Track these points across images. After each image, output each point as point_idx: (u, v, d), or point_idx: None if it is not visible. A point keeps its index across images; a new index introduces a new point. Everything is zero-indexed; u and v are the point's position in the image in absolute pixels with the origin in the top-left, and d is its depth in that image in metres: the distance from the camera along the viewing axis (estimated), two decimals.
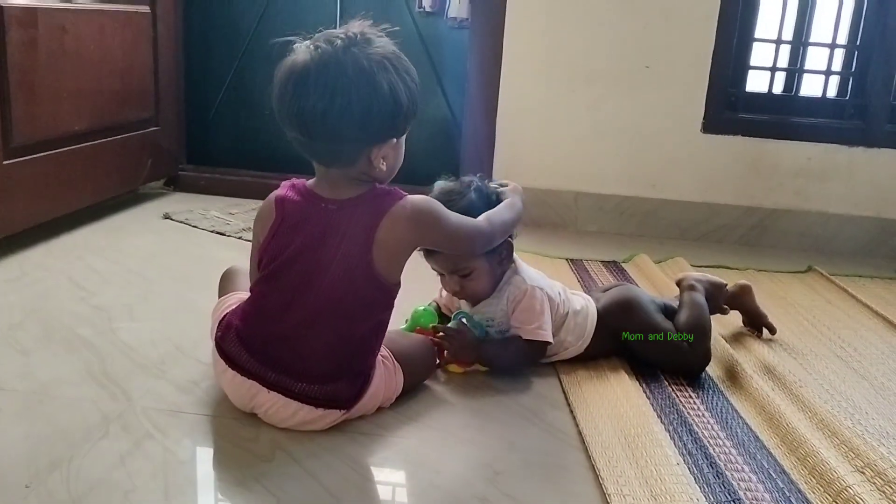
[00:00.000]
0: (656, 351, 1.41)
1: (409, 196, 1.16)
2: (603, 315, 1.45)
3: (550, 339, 1.37)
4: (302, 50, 1.10)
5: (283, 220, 1.16)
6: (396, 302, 1.19)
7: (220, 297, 1.34)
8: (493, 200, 1.37)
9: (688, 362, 1.40)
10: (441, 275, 1.40)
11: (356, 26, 1.12)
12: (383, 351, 1.22)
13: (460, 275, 1.36)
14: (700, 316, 1.45)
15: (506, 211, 1.31)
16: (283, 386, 1.12)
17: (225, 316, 1.20)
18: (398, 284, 1.18)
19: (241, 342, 1.15)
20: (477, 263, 1.35)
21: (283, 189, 1.20)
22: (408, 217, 1.14)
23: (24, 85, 1.82)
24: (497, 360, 1.37)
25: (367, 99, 1.07)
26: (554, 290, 1.42)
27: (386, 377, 1.20)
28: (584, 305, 1.45)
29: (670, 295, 1.66)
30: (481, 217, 1.26)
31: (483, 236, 1.25)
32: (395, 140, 1.15)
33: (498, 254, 1.37)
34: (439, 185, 1.39)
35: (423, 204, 1.17)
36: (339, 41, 1.08)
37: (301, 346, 1.13)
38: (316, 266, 1.13)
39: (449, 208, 1.27)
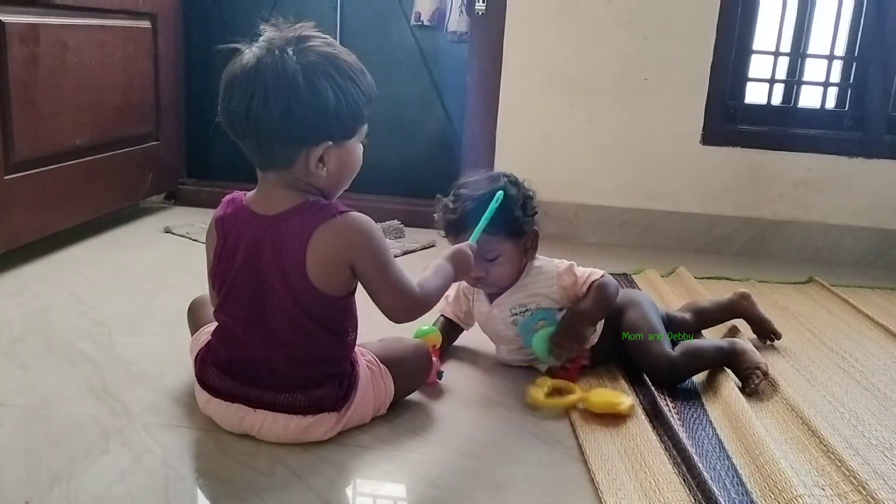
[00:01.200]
0: (642, 348, 1.41)
1: (350, 213, 1.11)
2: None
3: (607, 275, 1.41)
4: (236, 61, 1.09)
5: (224, 242, 1.15)
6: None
7: (191, 332, 1.34)
8: (528, 189, 1.42)
9: (669, 370, 1.39)
10: None
11: (296, 28, 1.10)
12: (368, 356, 1.22)
13: (487, 258, 1.36)
14: (711, 357, 1.44)
15: (436, 277, 1.21)
16: (268, 401, 1.12)
17: (199, 352, 1.20)
18: (348, 296, 1.15)
19: (219, 370, 1.16)
20: (506, 247, 1.37)
21: (222, 207, 1.17)
22: (339, 232, 1.09)
23: (25, 100, 1.83)
24: (597, 314, 1.39)
25: (285, 97, 1.04)
26: None
27: (374, 381, 1.20)
28: None
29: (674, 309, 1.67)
30: (416, 280, 1.17)
31: (412, 300, 1.14)
32: (330, 143, 1.09)
33: (524, 242, 1.39)
34: (466, 178, 1.42)
35: (361, 224, 1.11)
36: (273, 43, 1.08)
37: (273, 363, 1.13)
38: (260, 285, 1.11)
39: (483, 198, 1.32)
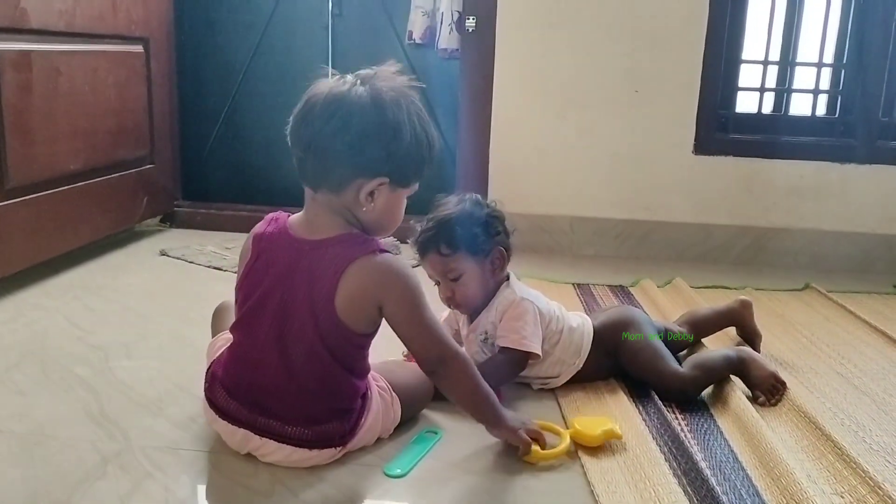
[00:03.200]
0: (650, 370, 1.41)
1: (387, 254, 1.10)
2: (600, 332, 1.45)
3: (536, 350, 1.37)
4: (325, 82, 1.10)
5: (257, 258, 1.14)
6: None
7: (212, 334, 1.33)
8: (492, 209, 1.41)
9: (682, 388, 1.39)
10: (437, 283, 1.41)
11: (388, 68, 1.12)
12: (381, 382, 1.21)
13: (449, 277, 1.37)
14: (720, 367, 1.43)
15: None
16: (274, 431, 1.11)
17: (210, 368, 1.20)
18: (369, 335, 1.13)
19: (226, 392, 1.15)
20: (466, 266, 1.37)
21: (263, 224, 1.17)
22: (375, 269, 1.08)
23: (19, 127, 1.84)
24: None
25: (367, 122, 1.05)
26: (549, 306, 1.43)
27: (384, 409, 1.19)
28: (580, 323, 1.46)
29: (672, 320, 1.66)
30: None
31: (447, 349, 1.11)
32: (387, 180, 1.09)
33: (490, 261, 1.39)
34: (436, 203, 1.42)
35: (398, 266, 1.10)
36: (363, 76, 1.09)
37: (284, 392, 1.12)
38: (285, 309, 1.10)
39: (442, 219, 1.33)
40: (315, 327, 1.09)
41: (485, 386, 1.15)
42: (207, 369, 1.20)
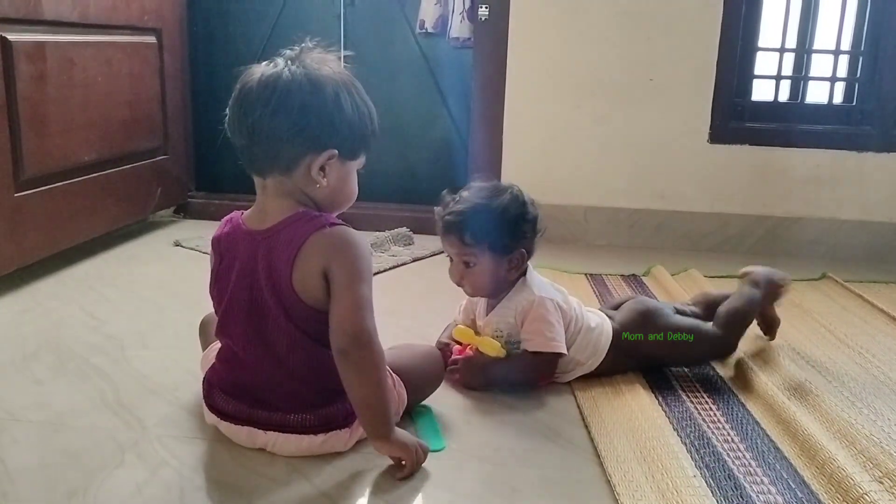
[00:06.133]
0: (678, 347, 1.41)
1: (342, 225, 1.08)
2: (621, 331, 1.42)
3: (563, 351, 1.36)
4: (256, 68, 1.09)
5: (221, 261, 1.14)
6: (417, 325, 1.18)
7: (202, 347, 1.33)
8: (528, 211, 1.38)
9: (713, 350, 1.42)
10: (451, 259, 1.40)
11: (312, 48, 1.11)
12: None
13: (463, 261, 1.37)
14: (746, 309, 1.49)
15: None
16: (276, 422, 1.11)
17: (206, 376, 1.20)
18: None
19: (224, 394, 1.15)
20: (483, 258, 1.36)
21: (220, 227, 1.17)
22: (324, 241, 1.06)
23: (33, 118, 1.84)
24: (507, 379, 1.37)
25: (306, 97, 1.05)
26: (568, 302, 1.41)
27: None
28: (598, 323, 1.43)
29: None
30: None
31: (364, 328, 1.04)
32: (335, 153, 1.08)
33: (508, 259, 1.37)
34: (475, 183, 1.41)
35: (348, 235, 1.07)
36: (291, 56, 1.09)
37: (277, 384, 1.12)
38: (255, 303, 1.09)
39: (476, 207, 1.33)
40: (285, 315, 1.08)
41: (387, 392, 1.08)
42: (203, 379, 1.20)
